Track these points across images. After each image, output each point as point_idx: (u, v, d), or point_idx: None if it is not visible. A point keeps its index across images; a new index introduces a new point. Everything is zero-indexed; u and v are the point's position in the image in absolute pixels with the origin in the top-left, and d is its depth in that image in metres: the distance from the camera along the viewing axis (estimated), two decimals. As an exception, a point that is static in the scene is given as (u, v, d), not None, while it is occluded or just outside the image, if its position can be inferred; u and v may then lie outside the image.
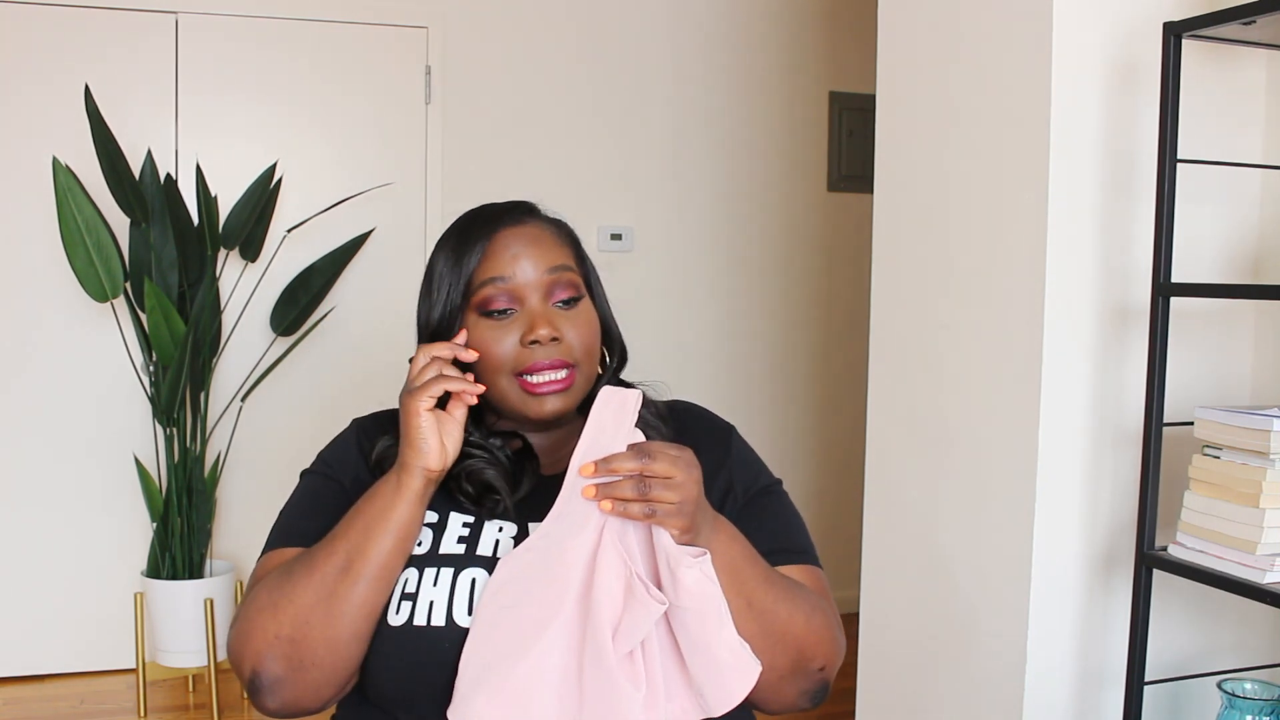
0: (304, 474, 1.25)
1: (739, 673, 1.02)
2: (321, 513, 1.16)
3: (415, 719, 1.09)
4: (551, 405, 1.15)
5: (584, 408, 1.23)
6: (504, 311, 1.16)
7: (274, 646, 1.05)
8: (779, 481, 1.27)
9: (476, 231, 1.19)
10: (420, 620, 1.07)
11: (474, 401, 1.12)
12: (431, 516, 1.15)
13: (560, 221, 1.25)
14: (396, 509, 1.07)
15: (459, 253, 1.18)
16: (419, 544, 1.12)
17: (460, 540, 1.13)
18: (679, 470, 0.98)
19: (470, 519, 1.15)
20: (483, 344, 1.15)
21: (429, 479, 1.09)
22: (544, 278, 1.17)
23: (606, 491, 0.98)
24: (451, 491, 1.16)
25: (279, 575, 1.09)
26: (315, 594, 1.05)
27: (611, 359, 1.25)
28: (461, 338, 1.16)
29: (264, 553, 1.17)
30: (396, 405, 1.15)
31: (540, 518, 1.06)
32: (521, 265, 1.16)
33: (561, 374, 1.15)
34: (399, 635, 1.07)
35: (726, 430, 1.28)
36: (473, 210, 1.23)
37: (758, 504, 1.22)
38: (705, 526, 1.04)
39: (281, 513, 1.22)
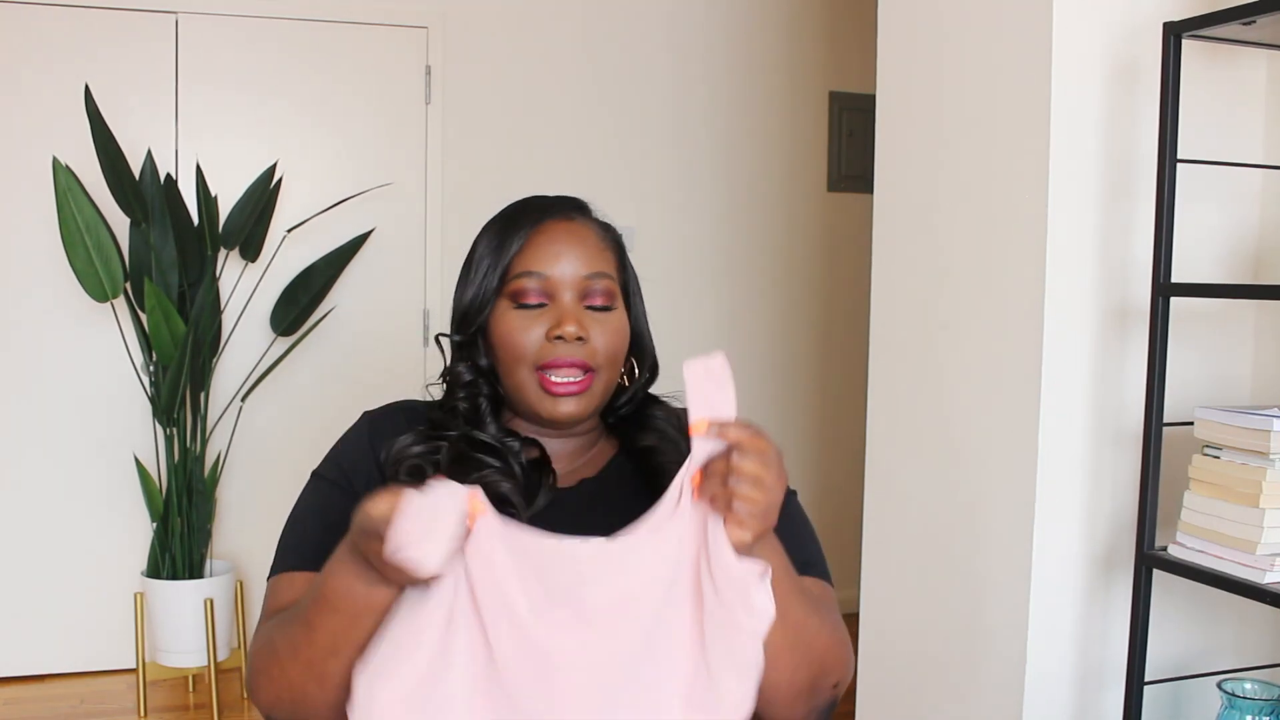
0: (314, 475, 1.20)
1: (747, 702, 1.00)
2: (331, 529, 1.12)
3: None
4: (566, 408, 1.13)
5: (605, 415, 1.22)
6: (536, 305, 1.14)
7: (277, 706, 1.05)
8: (793, 492, 1.24)
9: (523, 220, 1.17)
10: None
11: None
12: None
13: (609, 225, 1.22)
14: (384, 602, 0.98)
15: (502, 238, 1.16)
16: None
17: None
18: (770, 472, 0.94)
19: None
20: (509, 333, 1.14)
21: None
22: (581, 280, 1.14)
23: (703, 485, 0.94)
24: None
25: (266, 639, 1.06)
26: (304, 673, 1.02)
27: (641, 371, 1.23)
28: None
29: (273, 572, 1.15)
30: (405, 398, 1.13)
31: (553, 531, 1.01)
32: (561, 263, 1.14)
33: (579, 376, 1.13)
34: None
35: None
36: (523, 199, 1.21)
37: None
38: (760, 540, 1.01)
39: (291, 521, 1.18)
